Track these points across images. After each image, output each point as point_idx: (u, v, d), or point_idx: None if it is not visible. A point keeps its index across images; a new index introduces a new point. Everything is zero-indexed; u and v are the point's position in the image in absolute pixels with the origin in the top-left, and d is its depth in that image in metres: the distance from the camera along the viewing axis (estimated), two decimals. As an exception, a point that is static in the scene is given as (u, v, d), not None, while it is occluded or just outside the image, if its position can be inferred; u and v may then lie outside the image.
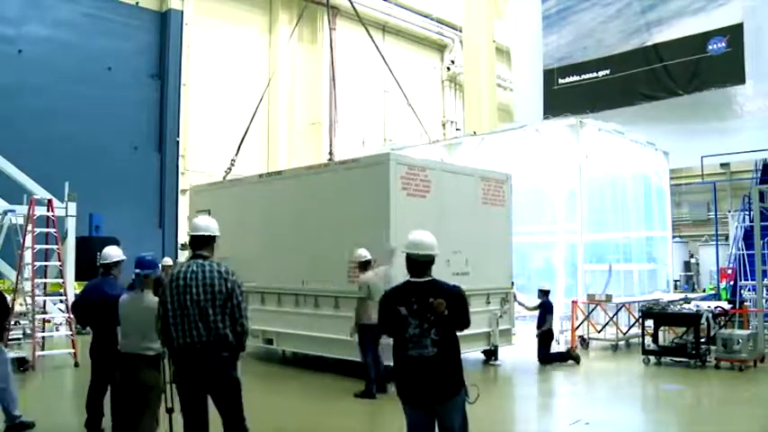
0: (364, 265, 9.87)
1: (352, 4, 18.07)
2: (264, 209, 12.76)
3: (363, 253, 9.93)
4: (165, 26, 24.97)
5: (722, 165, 24.19)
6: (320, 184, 11.66)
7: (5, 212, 15.09)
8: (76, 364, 11.82)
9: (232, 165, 15.17)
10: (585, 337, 14.12)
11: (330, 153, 14.14)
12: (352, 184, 10.97)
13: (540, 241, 16.08)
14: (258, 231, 12.73)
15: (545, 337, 12.39)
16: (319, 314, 11.16)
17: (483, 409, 9.22)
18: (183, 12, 25.23)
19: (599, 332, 14.35)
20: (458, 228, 11.18)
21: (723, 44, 21.49)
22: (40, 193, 15.50)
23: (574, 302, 14.12)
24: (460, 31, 32.88)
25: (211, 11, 26.60)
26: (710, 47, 21.69)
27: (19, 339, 13.58)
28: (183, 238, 22.41)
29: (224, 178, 14.73)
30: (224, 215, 13.53)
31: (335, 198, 11.20)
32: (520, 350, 13.02)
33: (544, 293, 12.70)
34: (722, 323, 12.22)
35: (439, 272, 10.59)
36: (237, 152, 15.46)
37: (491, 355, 12.09)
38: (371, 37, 17.39)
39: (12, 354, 11.38)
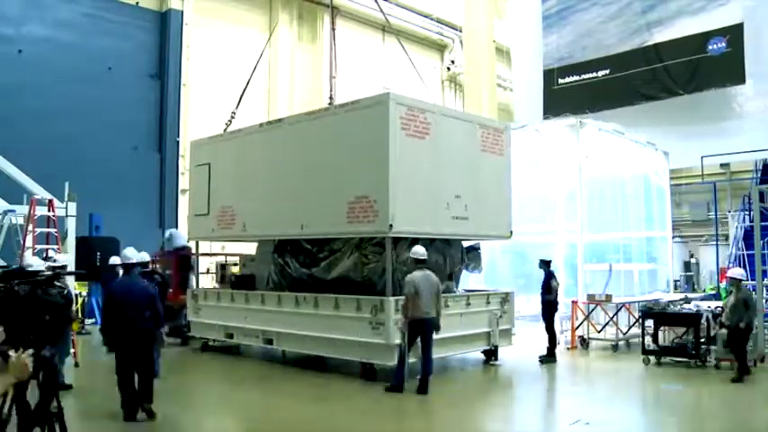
0: (416, 262, 9.86)
1: (382, 12, 18.10)
2: (265, 157, 12.84)
3: (420, 251, 9.92)
4: (165, 26, 24.98)
5: (722, 165, 24.21)
6: (321, 128, 11.72)
7: (6, 212, 15.10)
8: (77, 365, 11.80)
9: (233, 117, 15.17)
10: (585, 337, 14.10)
11: (330, 98, 14.18)
12: (352, 126, 11.04)
13: (539, 241, 16.08)
14: (259, 180, 12.85)
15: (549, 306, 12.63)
16: (319, 314, 11.16)
17: (483, 409, 9.26)
18: (182, 12, 25.24)
19: (599, 332, 14.33)
20: (456, 172, 11.37)
21: (723, 44, 21.51)
22: (41, 193, 15.50)
23: (574, 302, 14.11)
24: (460, 31, 32.90)
25: (211, 11, 26.60)
26: (710, 47, 21.70)
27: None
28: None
29: (224, 131, 14.75)
30: (225, 167, 13.78)
31: (336, 141, 11.28)
32: (520, 350, 13.02)
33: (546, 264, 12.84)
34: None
35: (438, 215, 10.93)
36: (238, 105, 15.45)
37: (491, 355, 12.07)
38: (386, 21, 17.29)
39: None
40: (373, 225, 10.41)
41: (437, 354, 10.71)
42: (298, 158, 12.00)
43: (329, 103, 13.52)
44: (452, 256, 12.21)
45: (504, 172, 12.59)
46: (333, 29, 17.59)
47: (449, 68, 36.46)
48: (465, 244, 12.76)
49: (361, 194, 10.60)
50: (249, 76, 16.18)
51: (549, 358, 12.33)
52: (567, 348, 13.88)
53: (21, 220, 14.67)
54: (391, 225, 10.16)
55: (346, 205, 10.77)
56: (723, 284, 18.75)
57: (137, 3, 24.45)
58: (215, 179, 13.99)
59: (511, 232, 12.70)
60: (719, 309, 11.97)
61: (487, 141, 12.18)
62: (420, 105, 11.02)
